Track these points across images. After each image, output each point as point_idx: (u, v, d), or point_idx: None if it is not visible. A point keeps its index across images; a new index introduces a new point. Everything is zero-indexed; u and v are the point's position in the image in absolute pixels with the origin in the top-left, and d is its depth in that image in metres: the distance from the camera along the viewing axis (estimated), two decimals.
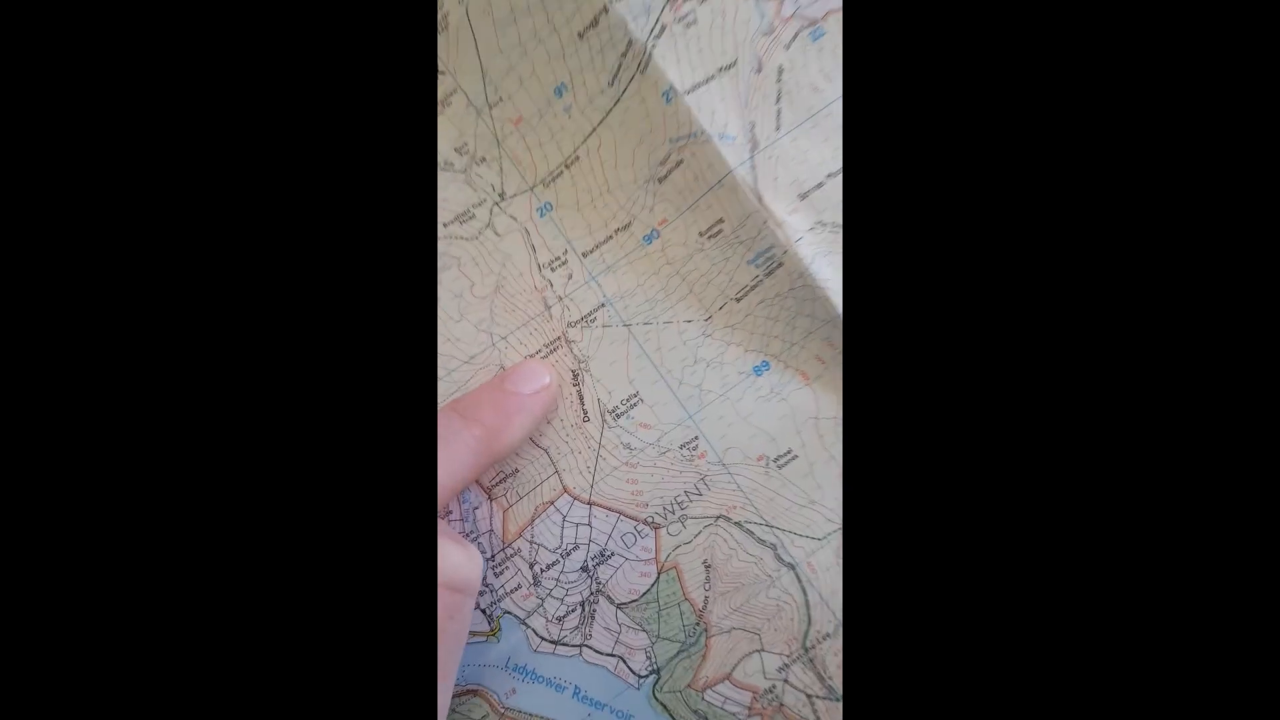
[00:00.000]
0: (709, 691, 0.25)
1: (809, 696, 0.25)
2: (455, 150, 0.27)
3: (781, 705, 0.25)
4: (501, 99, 0.28)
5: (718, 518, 0.26)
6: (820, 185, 0.27)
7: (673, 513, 0.26)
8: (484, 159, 0.27)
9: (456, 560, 0.24)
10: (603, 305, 0.28)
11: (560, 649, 0.26)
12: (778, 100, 0.28)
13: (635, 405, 0.27)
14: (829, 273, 0.27)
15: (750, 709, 0.25)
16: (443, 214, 0.27)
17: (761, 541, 0.26)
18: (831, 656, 0.25)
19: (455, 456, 0.24)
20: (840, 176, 0.26)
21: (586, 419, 0.27)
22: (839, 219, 0.27)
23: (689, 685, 0.26)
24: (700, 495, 0.26)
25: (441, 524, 0.25)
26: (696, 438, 0.27)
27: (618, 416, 0.27)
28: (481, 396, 0.25)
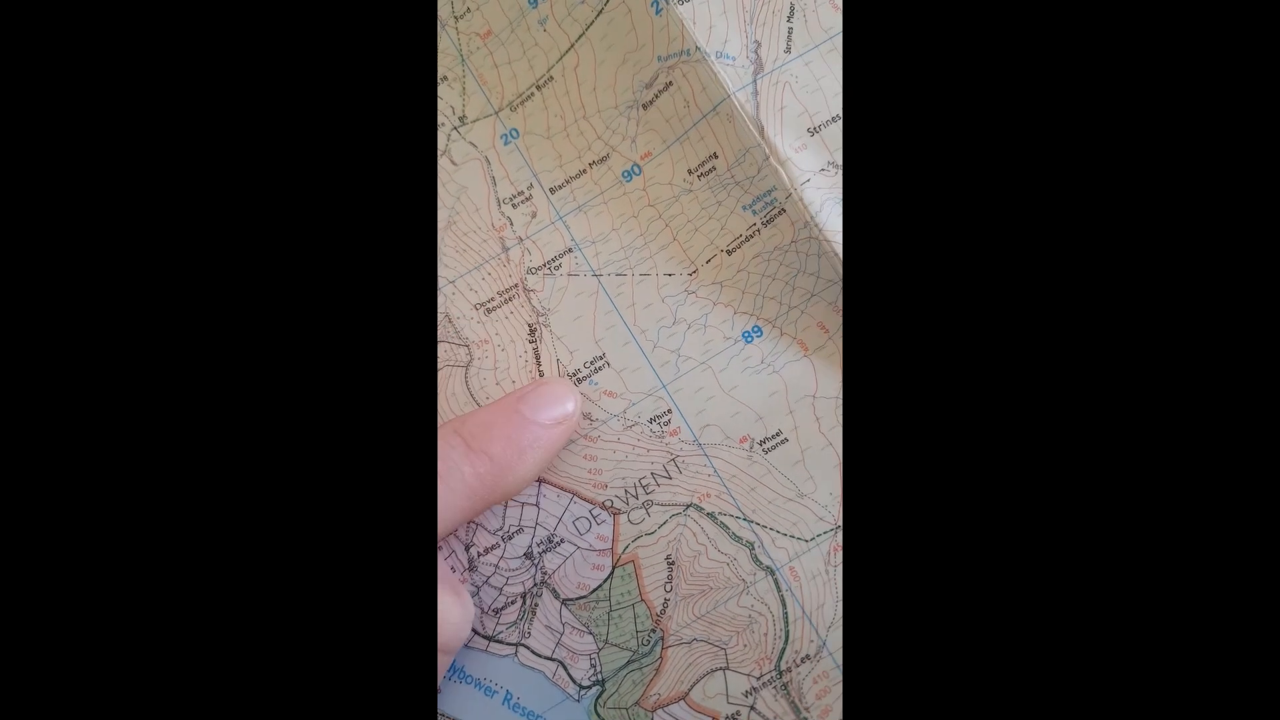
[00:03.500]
0: (660, 712, 0.22)
1: None
2: None
3: None
4: (469, 9, 0.25)
5: (688, 506, 0.23)
6: (835, 119, 0.24)
7: (636, 497, 0.23)
8: (445, 77, 0.25)
9: (445, 611, 0.20)
10: (569, 250, 0.24)
11: (494, 646, 0.23)
12: (790, 17, 0.24)
13: (600, 369, 0.24)
14: (840, 223, 0.23)
15: None
16: None
17: (737, 538, 0.23)
18: (810, 684, 0.21)
19: (451, 494, 0.20)
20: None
21: None
22: None
23: (637, 702, 0.22)
24: (670, 479, 0.23)
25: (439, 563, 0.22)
26: (670, 411, 0.23)
27: (579, 381, 0.24)
28: (492, 419, 0.21)
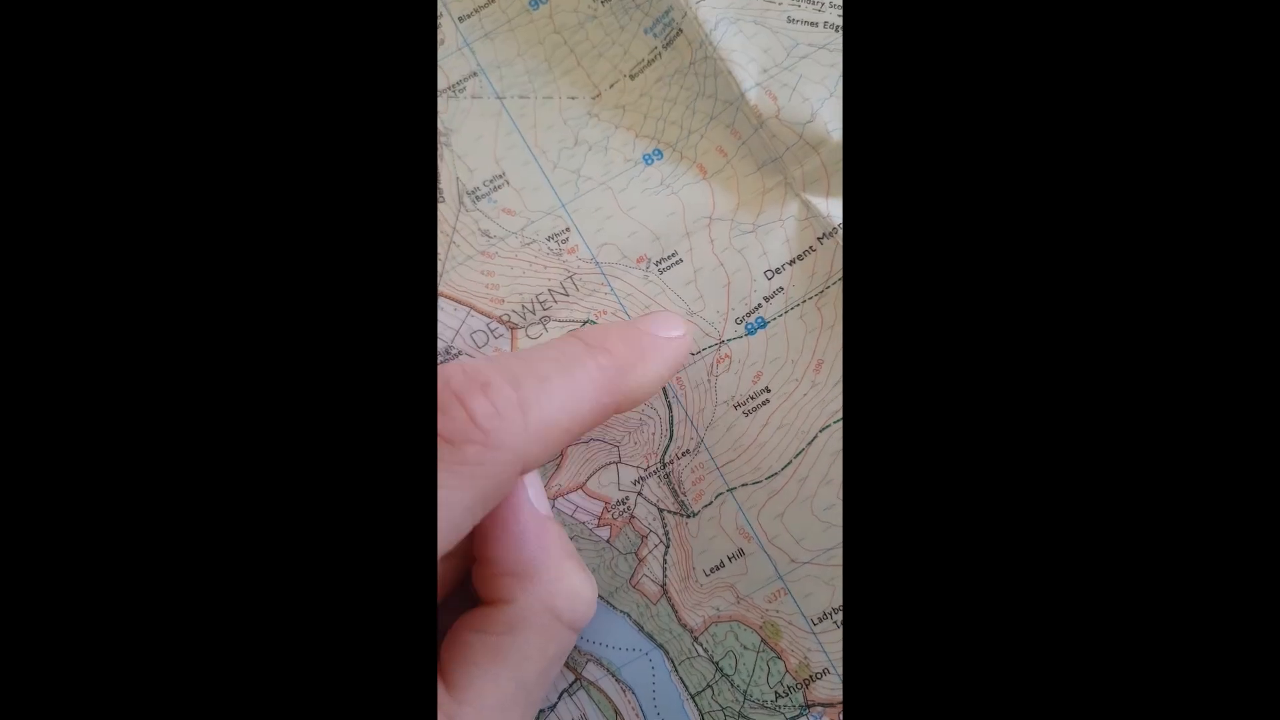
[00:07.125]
0: (560, 500, 0.24)
1: (660, 510, 0.24)
2: None
3: (632, 518, 0.24)
4: None
5: (584, 322, 0.25)
6: None
7: (533, 312, 0.24)
8: None
9: (577, 586, 0.20)
10: (474, 74, 0.25)
11: None
12: None
13: (500, 188, 0.25)
14: (735, 41, 0.23)
15: (600, 519, 0.24)
16: None
17: None
18: (689, 473, 0.24)
19: (578, 388, 0.19)
20: None
21: (441, 199, 0.24)
22: None
23: None
24: (567, 295, 0.24)
25: (562, 535, 0.20)
26: (568, 229, 0.24)
27: (477, 199, 0.25)
28: (609, 329, 0.21)
